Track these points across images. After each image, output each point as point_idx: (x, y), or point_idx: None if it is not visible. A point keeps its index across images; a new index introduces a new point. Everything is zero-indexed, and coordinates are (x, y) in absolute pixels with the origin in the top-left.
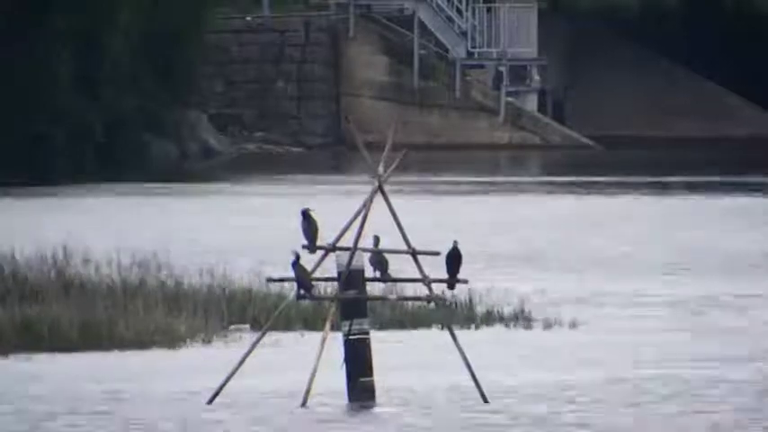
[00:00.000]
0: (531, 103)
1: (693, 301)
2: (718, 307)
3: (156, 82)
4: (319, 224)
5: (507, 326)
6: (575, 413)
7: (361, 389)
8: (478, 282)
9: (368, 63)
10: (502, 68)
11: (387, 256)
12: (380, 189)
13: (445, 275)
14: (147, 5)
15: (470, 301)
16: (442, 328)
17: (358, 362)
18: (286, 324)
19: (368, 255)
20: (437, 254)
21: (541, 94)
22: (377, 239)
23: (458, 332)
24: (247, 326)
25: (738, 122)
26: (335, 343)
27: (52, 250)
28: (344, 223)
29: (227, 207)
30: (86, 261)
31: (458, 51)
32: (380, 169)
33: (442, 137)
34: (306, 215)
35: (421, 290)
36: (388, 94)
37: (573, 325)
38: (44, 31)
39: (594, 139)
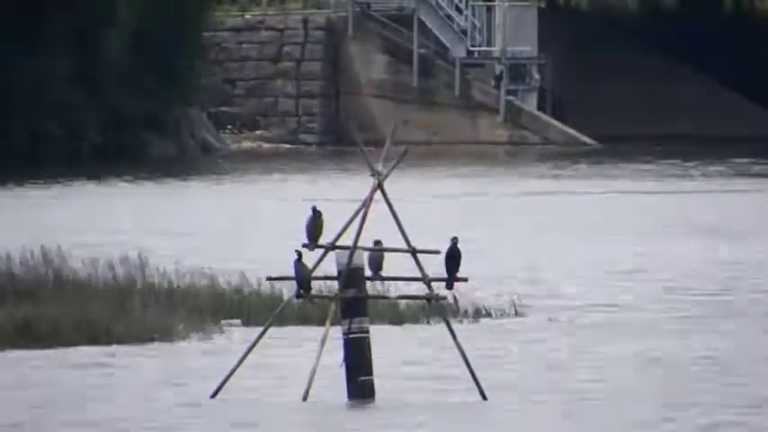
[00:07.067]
0: (531, 102)
1: (684, 300)
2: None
3: (156, 80)
4: (324, 223)
5: (506, 322)
6: (573, 410)
7: (360, 387)
8: (477, 279)
9: (367, 61)
10: (502, 67)
11: (383, 255)
12: (380, 187)
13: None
14: (146, 4)
15: (466, 298)
16: (435, 324)
17: (358, 360)
18: (287, 322)
19: (367, 254)
20: (437, 252)
21: (541, 92)
22: (377, 244)
23: (456, 329)
24: (239, 321)
25: (739, 121)
26: (336, 341)
27: (48, 248)
28: (344, 222)
29: (226, 204)
30: (81, 259)
31: (457, 50)
32: (380, 167)
33: (441, 135)
34: (315, 212)
35: (421, 288)
36: (388, 93)
37: (572, 321)
38: (44, 30)
39: (594, 138)
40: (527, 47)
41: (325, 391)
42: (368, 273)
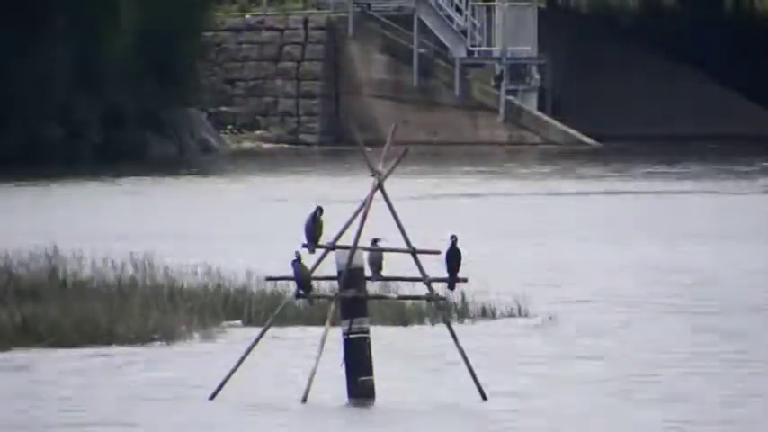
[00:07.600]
0: (531, 102)
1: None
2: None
3: (156, 81)
4: (323, 224)
5: (506, 322)
6: (572, 408)
7: (360, 387)
8: (477, 279)
9: (367, 61)
10: (502, 67)
11: (383, 255)
12: (380, 187)
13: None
14: (146, 4)
15: (465, 297)
16: (435, 324)
17: (358, 361)
18: (287, 322)
19: (367, 254)
20: (437, 252)
21: (541, 92)
22: (374, 242)
23: (458, 329)
24: (239, 322)
25: (739, 121)
26: (336, 341)
27: (49, 248)
28: (344, 222)
29: (225, 205)
30: (82, 259)
31: (457, 50)
32: (380, 168)
33: (441, 135)
34: (315, 213)
35: (421, 288)
36: (388, 93)
37: (572, 321)
38: (44, 30)
39: (594, 138)
40: (527, 47)
41: (325, 391)
42: (368, 273)
